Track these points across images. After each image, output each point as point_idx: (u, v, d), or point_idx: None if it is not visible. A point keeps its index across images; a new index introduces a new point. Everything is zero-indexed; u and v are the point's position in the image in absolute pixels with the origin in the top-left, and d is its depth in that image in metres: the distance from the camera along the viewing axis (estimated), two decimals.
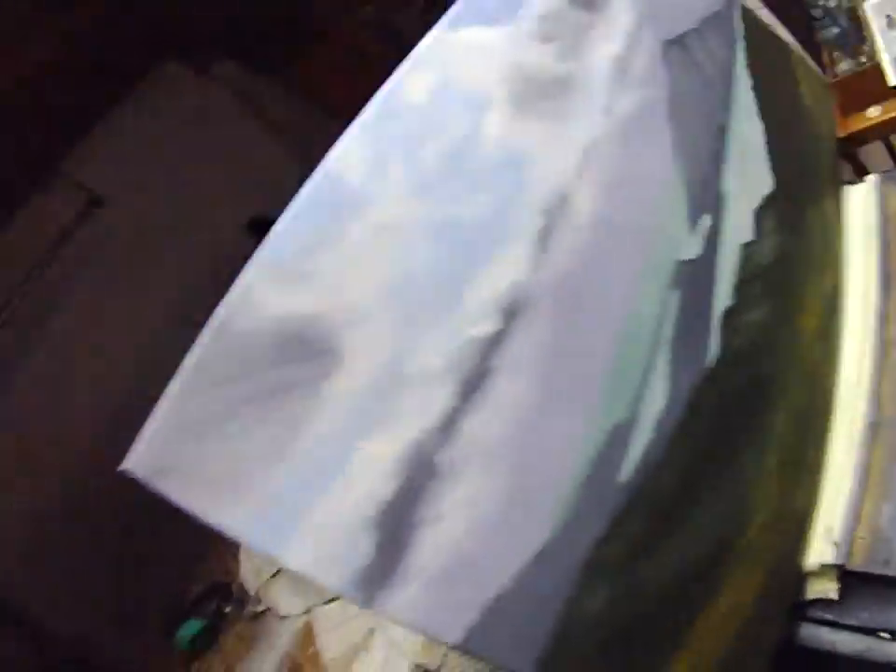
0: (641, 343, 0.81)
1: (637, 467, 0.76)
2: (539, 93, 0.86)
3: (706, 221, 0.88)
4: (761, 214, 0.93)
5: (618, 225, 0.84)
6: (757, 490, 0.85)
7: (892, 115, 1.90)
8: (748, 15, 1.03)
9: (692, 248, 0.86)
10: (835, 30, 2.69)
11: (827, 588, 0.93)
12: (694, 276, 0.85)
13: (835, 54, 2.74)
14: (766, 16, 1.06)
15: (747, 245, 0.90)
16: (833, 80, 2.44)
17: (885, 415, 0.98)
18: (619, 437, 0.77)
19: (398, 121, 0.82)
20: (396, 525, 0.68)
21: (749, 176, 0.93)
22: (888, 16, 2.29)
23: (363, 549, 0.66)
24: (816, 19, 2.66)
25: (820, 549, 0.95)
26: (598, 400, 0.77)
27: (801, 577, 0.96)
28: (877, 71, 2.29)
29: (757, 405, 0.87)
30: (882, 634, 0.90)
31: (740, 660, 0.84)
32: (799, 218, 0.96)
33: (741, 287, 0.87)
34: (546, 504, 0.71)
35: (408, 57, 0.85)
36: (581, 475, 0.74)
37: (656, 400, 0.80)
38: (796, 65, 1.09)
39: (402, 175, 0.79)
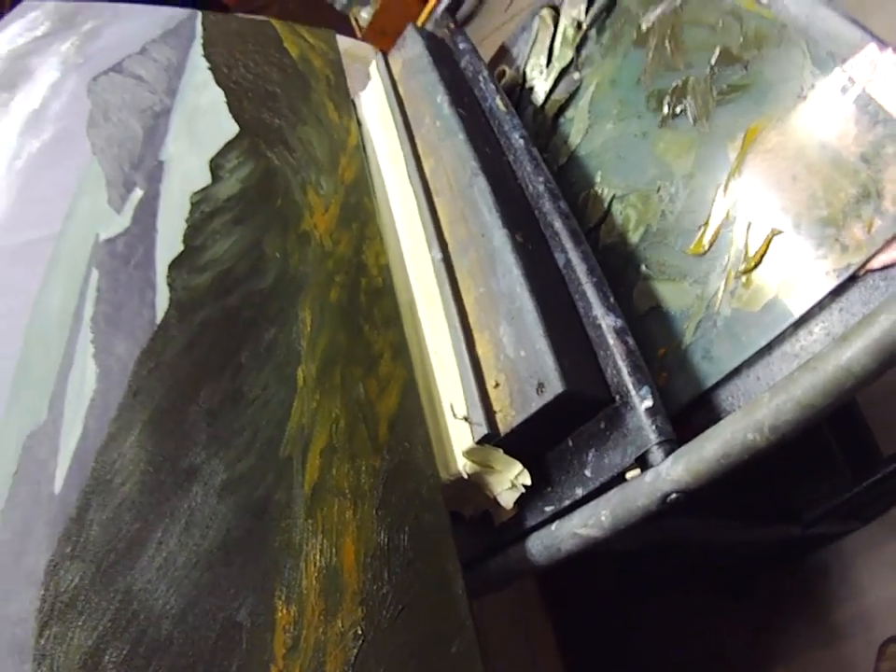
0: (51, 335, 0.72)
1: (71, 469, 0.63)
2: None
3: (136, 195, 0.85)
4: (220, 158, 0.91)
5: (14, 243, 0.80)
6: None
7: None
8: (208, 18, 1.12)
9: (113, 228, 0.82)
10: None
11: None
12: (126, 248, 0.80)
13: (355, 9, 2.78)
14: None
15: (199, 192, 0.86)
16: (370, 26, 2.52)
17: (451, 246, 0.91)
18: (39, 443, 0.65)
19: None
20: None
21: (212, 133, 1.01)
22: None
23: None
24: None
25: (458, 435, 0.74)
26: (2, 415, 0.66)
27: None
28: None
29: (266, 314, 0.81)
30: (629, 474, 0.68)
31: None
32: (280, 141, 0.99)
33: (192, 232, 0.82)
34: None
35: None
36: None
37: (86, 385, 0.69)
38: (283, 36, 1.25)
39: None
